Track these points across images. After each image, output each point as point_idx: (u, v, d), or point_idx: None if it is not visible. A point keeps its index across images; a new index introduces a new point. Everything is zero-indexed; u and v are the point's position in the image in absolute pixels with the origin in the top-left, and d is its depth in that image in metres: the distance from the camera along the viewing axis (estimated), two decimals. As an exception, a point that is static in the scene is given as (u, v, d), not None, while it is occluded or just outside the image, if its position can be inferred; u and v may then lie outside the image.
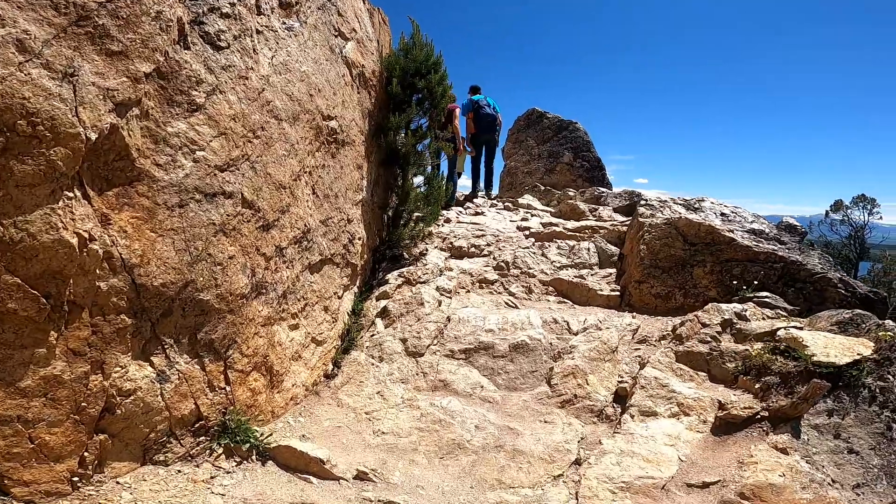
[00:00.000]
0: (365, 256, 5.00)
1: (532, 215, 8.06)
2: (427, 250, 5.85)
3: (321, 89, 3.95)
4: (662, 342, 4.30)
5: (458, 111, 7.89)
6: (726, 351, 3.84)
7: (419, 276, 5.14)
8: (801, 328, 3.85)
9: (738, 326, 4.08)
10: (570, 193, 8.82)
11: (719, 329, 4.06)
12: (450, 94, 5.61)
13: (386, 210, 5.61)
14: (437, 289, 5.04)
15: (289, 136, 3.36)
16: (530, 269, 5.91)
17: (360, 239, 4.71)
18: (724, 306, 4.24)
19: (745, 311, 4.23)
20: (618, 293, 5.21)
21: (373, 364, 4.40)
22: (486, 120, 8.26)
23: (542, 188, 9.31)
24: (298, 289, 3.63)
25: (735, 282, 4.68)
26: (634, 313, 4.88)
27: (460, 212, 8.28)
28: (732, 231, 4.86)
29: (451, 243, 6.60)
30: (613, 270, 5.71)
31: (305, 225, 3.58)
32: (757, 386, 3.52)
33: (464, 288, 5.53)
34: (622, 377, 3.90)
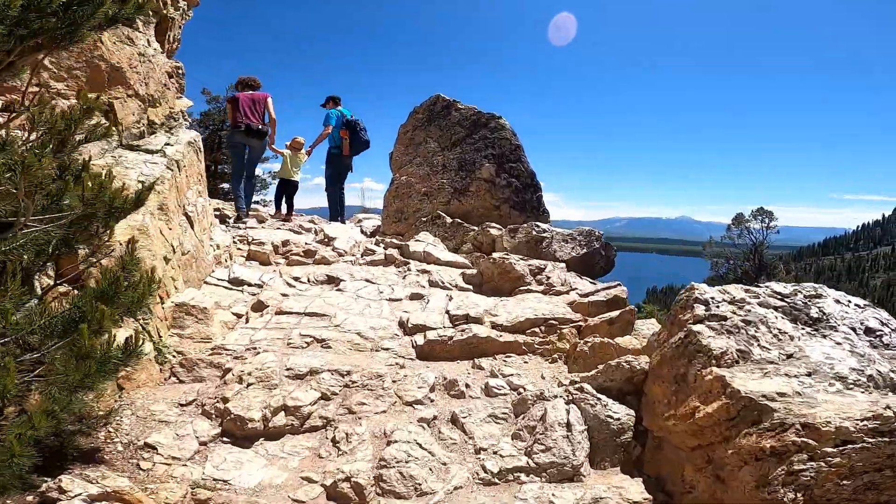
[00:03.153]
0: None
1: (430, 282, 4.33)
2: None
3: None
4: None
5: (270, 99, 6.27)
6: None
7: None
8: None
9: None
10: (492, 231, 5.28)
11: None
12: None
13: None
14: None
15: None
16: (424, 492, 2.15)
17: None
18: None
19: None
20: None
21: None
22: (361, 146, 6.75)
23: (449, 220, 5.65)
24: None
25: None
26: None
27: (296, 280, 4.27)
28: None
29: (223, 402, 2.57)
30: (635, 484, 2.15)
31: None
32: None
33: None
34: None
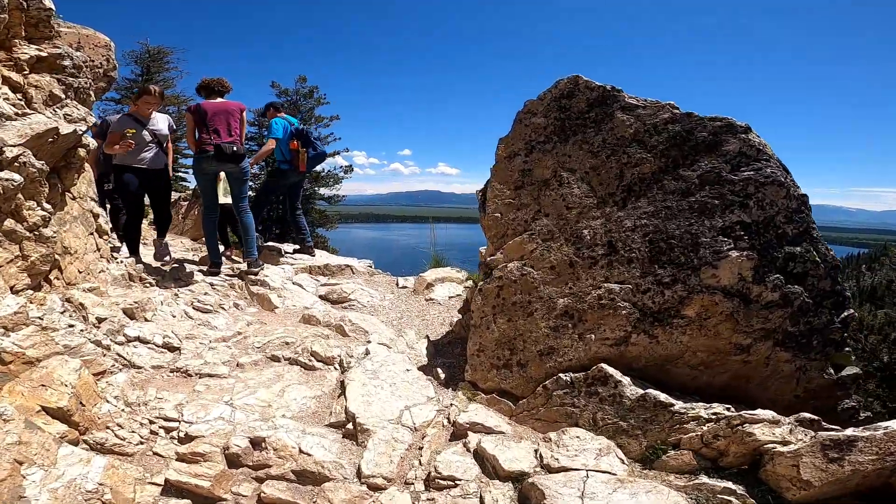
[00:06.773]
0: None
1: None
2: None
3: None
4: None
5: (245, 112, 4.96)
6: None
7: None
8: None
9: None
10: (759, 433, 2.03)
11: None
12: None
13: None
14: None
15: None
16: None
17: None
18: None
19: None
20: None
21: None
22: (318, 159, 5.75)
23: (632, 392, 2.36)
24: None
25: None
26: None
27: None
28: None
29: None
30: None
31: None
32: None
33: None
34: None
